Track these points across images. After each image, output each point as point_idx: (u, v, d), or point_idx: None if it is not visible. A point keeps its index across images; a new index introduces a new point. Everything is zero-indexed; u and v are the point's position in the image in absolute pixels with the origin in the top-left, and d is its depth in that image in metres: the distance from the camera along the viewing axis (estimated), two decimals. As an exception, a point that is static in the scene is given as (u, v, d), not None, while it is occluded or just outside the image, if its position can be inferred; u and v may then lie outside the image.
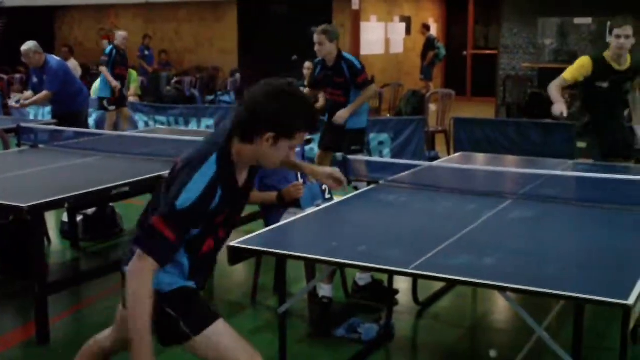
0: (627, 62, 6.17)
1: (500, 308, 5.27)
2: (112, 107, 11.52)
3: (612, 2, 12.60)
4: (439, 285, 5.39)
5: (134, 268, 2.79)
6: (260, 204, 5.19)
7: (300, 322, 4.94)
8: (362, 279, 5.31)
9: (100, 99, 11.61)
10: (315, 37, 7.13)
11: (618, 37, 6.02)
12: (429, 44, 16.54)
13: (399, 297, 5.31)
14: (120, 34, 11.98)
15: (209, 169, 2.80)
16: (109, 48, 11.84)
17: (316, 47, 7.16)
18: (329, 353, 4.57)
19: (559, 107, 5.96)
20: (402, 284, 5.43)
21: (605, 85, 6.19)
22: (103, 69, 11.54)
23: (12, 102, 10.77)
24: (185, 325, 3.01)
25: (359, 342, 4.63)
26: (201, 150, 2.90)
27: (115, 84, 11.45)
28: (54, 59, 8.90)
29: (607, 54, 6.17)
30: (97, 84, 12.26)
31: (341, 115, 7.17)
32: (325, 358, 4.50)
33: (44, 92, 8.53)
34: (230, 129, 2.87)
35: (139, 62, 16.64)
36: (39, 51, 8.58)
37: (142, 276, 2.76)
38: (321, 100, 9.02)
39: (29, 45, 8.52)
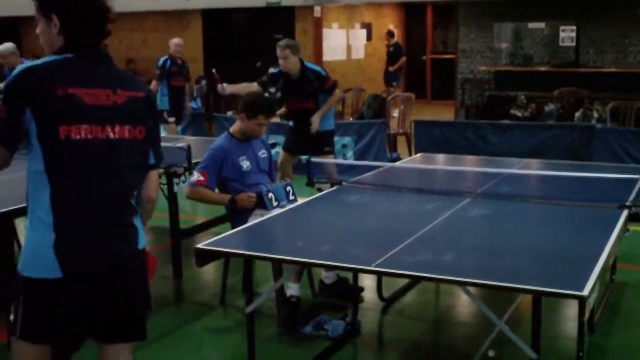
0: None
1: (463, 302, 5.44)
2: (172, 119, 10.95)
3: (563, 8, 12.96)
4: (403, 281, 5.56)
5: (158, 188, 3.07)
6: (214, 203, 5.38)
7: (269, 321, 5.06)
8: (328, 277, 5.45)
9: (160, 112, 10.91)
10: (279, 52, 7.26)
11: None
12: (398, 50, 16.75)
13: (364, 294, 5.45)
14: (173, 42, 11.12)
15: None
16: (162, 59, 11.06)
17: (280, 62, 7.29)
18: (297, 350, 4.69)
19: None
20: (367, 282, 5.58)
21: None
22: (154, 84, 10.72)
23: None
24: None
25: (326, 338, 4.76)
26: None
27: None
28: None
29: None
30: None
31: (315, 121, 7.33)
32: (294, 355, 4.62)
33: None
34: None
35: None
36: (16, 53, 8.61)
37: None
38: (283, 108, 9.17)
39: (6, 45, 8.56)
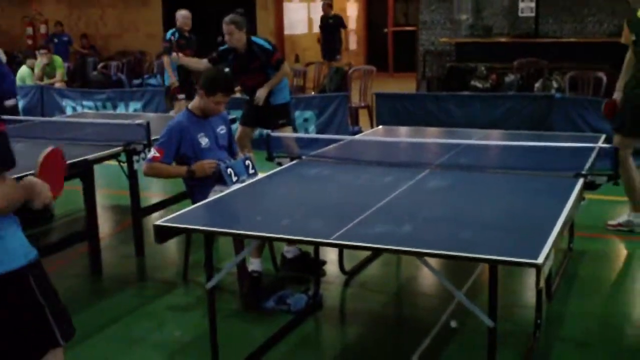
0: None
1: (425, 274, 5.48)
2: (182, 96, 10.10)
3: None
4: (365, 254, 5.59)
5: None
6: (172, 177, 5.37)
7: (231, 297, 5.07)
8: (290, 251, 5.46)
9: (168, 88, 10.46)
10: (225, 28, 7.26)
11: None
12: (339, 21, 16.04)
13: (326, 267, 5.48)
14: (180, 14, 10.53)
15: None
16: (169, 32, 10.53)
17: (226, 38, 7.30)
18: (259, 325, 4.70)
19: None
20: (330, 255, 5.61)
21: None
22: (165, 59, 10.34)
23: None
24: (57, 325, 2.75)
25: (288, 312, 4.79)
26: None
27: (173, 80, 10.20)
28: None
29: None
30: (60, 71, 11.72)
31: (260, 95, 7.35)
32: (256, 330, 4.62)
33: None
34: None
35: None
36: None
37: None
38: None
39: None
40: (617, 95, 6.32)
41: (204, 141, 5.24)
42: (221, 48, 7.61)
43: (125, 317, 4.92)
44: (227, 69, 7.29)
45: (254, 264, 5.07)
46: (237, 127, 7.59)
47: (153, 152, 5.17)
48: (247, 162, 5.22)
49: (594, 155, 4.83)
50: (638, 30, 6.06)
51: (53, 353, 2.70)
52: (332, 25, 15.90)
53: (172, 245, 6.03)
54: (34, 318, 2.64)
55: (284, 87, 7.66)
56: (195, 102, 5.33)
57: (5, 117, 7.03)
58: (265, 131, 6.92)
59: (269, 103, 7.43)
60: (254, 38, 7.44)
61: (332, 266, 5.51)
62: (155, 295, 5.31)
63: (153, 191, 7.51)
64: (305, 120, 10.05)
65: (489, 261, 3.17)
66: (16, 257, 2.57)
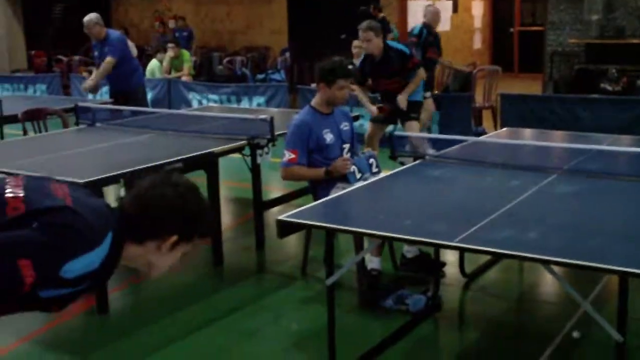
0: None
1: (547, 281, 5.34)
2: (428, 94, 8.94)
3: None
4: (486, 258, 5.49)
5: None
6: (309, 179, 5.32)
7: (349, 293, 5.07)
8: (410, 251, 5.42)
9: None
10: (361, 35, 7.35)
11: None
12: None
13: (446, 269, 5.41)
14: (430, 10, 9.91)
15: (101, 252, 2.15)
16: (417, 27, 9.95)
17: (364, 45, 7.39)
18: (377, 323, 4.69)
19: None
20: (449, 257, 5.54)
21: None
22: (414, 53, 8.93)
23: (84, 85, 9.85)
24: None
25: (406, 313, 4.75)
26: (96, 218, 2.16)
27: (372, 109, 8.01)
28: (115, 32, 9.09)
29: None
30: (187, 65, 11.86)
31: (402, 100, 7.46)
32: (374, 328, 4.62)
33: (106, 60, 8.62)
34: (119, 221, 2.23)
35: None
36: (100, 23, 8.73)
37: None
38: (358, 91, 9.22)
39: (90, 16, 8.68)
40: None
41: (329, 137, 5.23)
42: (358, 62, 7.77)
43: (243, 309, 5.00)
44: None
45: (373, 262, 5.06)
46: (360, 124, 7.62)
47: (288, 155, 5.15)
48: (371, 160, 5.20)
49: None
50: None
51: None
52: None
53: (291, 240, 6.07)
54: None
55: (421, 87, 7.82)
56: (317, 98, 5.34)
57: (134, 108, 7.25)
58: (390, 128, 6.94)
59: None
60: (389, 42, 7.50)
61: (451, 268, 5.43)
62: (273, 288, 5.37)
63: (275, 185, 7.59)
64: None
65: (620, 273, 3.05)
66: None
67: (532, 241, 3.37)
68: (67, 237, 2.05)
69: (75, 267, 2.06)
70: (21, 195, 2.12)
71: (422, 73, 7.62)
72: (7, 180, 2.19)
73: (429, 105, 9.00)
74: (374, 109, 7.77)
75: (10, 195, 2.12)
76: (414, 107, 7.71)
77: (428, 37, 9.74)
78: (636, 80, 11.73)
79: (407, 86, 7.44)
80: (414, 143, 7.01)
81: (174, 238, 2.26)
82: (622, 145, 5.76)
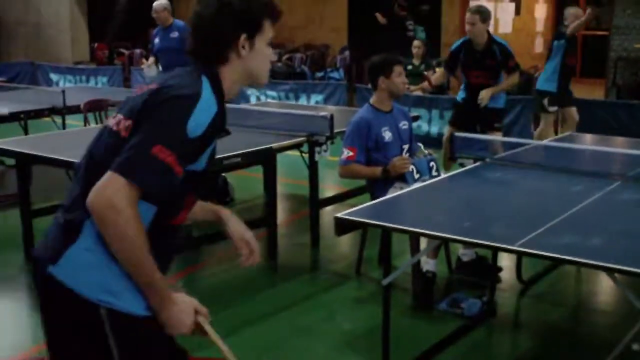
0: None
1: (605, 289, 5.23)
2: (554, 108, 8.57)
3: None
4: (543, 264, 5.39)
5: (107, 201, 2.04)
6: (367, 177, 5.29)
7: (403, 294, 5.02)
8: (466, 254, 5.36)
9: (541, 94, 8.67)
10: (468, 17, 6.97)
11: None
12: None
13: (502, 274, 5.33)
14: (571, 12, 8.68)
15: (207, 95, 2.20)
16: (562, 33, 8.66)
17: (467, 27, 6.99)
18: (431, 326, 4.66)
19: None
20: (505, 262, 5.45)
21: None
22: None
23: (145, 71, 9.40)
24: None
25: (461, 317, 4.70)
26: (184, 78, 2.24)
27: None
28: (181, 22, 9.14)
29: None
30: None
31: (484, 96, 7.01)
32: (428, 330, 4.58)
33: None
34: (196, 63, 2.30)
35: None
36: (169, 9, 8.79)
37: (125, 208, 2.05)
38: (437, 73, 8.96)
39: (161, 1, 8.76)
40: None
41: (387, 135, 5.21)
42: (452, 48, 7.41)
43: (297, 306, 4.99)
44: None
45: (429, 264, 5.01)
46: (418, 125, 7.50)
47: (346, 153, 5.16)
48: (432, 163, 5.14)
49: None
50: None
51: None
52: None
53: (346, 239, 6.05)
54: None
55: (503, 94, 7.36)
56: (375, 97, 5.31)
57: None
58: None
59: (486, 106, 7.10)
60: (495, 37, 7.17)
61: (507, 273, 5.35)
62: (327, 286, 5.35)
63: (332, 183, 7.57)
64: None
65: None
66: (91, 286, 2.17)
67: (594, 248, 3.31)
68: (173, 105, 2.13)
69: (198, 121, 2.13)
70: (121, 116, 2.22)
71: (516, 77, 7.28)
72: (108, 122, 2.29)
73: (574, 113, 8.60)
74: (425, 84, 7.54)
75: (114, 122, 2.22)
76: (498, 115, 7.30)
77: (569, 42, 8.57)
78: None
79: (498, 84, 7.08)
80: (495, 149, 6.75)
81: (244, 36, 2.28)
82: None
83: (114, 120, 2.24)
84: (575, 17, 8.49)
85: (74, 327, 2.20)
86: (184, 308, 2.23)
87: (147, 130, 2.10)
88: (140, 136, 2.10)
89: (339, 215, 3.75)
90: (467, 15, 7.00)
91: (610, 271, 3.14)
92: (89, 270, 2.14)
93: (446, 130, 7.60)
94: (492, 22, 7.76)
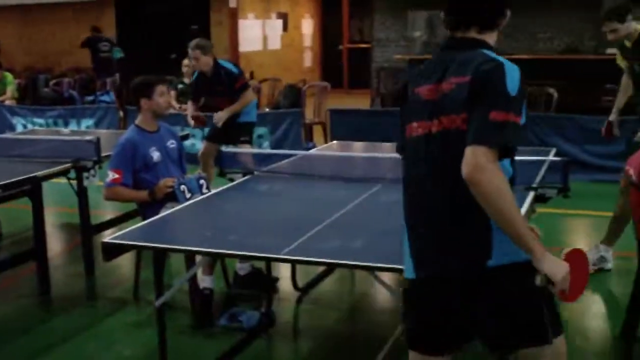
0: None
1: (379, 289, 5.43)
2: None
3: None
4: (318, 270, 5.55)
5: (479, 166, 2.36)
6: (134, 201, 5.23)
7: (183, 314, 4.99)
8: (243, 268, 5.41)
9: None
10: (190, 53, 7.39)
11: None
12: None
13: (279, 284, 5.43)
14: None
15: (512, 67, 2.56)
16: None
17: (192, 63, 7.41)
18: (211, 343, 4.64)
19: None
20: (284, 272, 5.55)
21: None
22: None
23: None
24: (548, 322, 2.59)
25: (241, 330, 4.73)
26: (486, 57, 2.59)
27: None
28: None
29: None
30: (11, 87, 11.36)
31: (220, 116, 7.47)
32: (208, 347, 4.56)
33: None
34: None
35: None
36: None
37: (495, 171, 2.36)
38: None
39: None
40: (612, 117, 6.41)
41: (156, 155, 5.17)
42: (192, 80, 7.82)
43: (74, 338, 4.82)
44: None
45: (205, 281, 5.00)
46: (192, 143, 7.54)
47: (112, 175, 5.06)
48: (202, 180, 5.13)
49: (544, 168, 4.85)
50: (627, 56, 6.11)
51: (539, 350, 2.61)
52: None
53: (123, 262, 5.93)
54: (530, 310, 2.60)
55: (252, 108, 7.79)
56: (140, 117, 5.28)
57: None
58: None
59: (235, 120, 7.51)
60: (221, 61, 7.52)
61: (286, 283, 5.46)
62: (105, 314, 5.21)
63: (105, 209, 7.39)
64: (260, 136, 10.00)
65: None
66: (521, 253, 2.49)
67: (358, 249, 3.42)
68: (505, 76, 2.50)
69: (512, 84, 2.48)
70: (442, 118, 2.56)
71: (248, 95, 7.60)
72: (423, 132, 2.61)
73: None
74: (190, 120, 7.80)
75: (443, 126, 2.55)
76: (245, 130, 7.66)
77: None
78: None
79: (231, 106, 7.44)
80: (246, 162, 6.99)
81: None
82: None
83: (437, 124, 2.56)
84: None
85: (513, 295, 2.56)
86: (554, 258, 2.48)
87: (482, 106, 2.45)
88: (478, 112, 2.44)
89: (106, 239, 3.66)
90: (190, 52, 7.41)
91: (371, 270, 3.27)
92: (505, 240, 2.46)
93: (203, 145, 7.83)
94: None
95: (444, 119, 2.54)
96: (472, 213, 2.46)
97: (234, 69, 7.53)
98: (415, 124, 2.65)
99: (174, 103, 11.32)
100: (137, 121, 5.30)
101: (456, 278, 2.58)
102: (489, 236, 2.50)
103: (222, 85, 7.39)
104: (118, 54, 15.25)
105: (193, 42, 7.39)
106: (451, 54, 2.69)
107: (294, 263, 3.89)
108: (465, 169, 2.38)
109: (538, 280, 2.49)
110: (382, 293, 5.40)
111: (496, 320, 2.58)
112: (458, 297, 2.59)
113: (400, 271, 3.14)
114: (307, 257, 3.35)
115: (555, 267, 2.46)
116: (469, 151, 2.39)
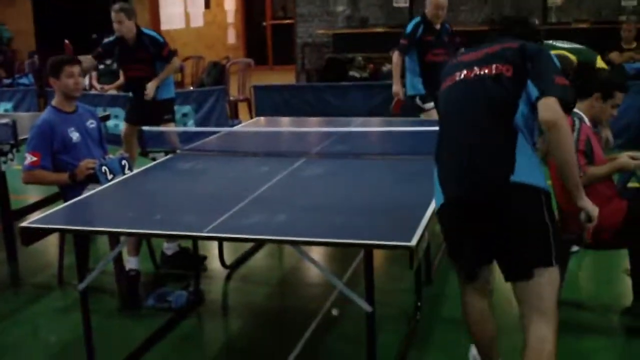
0: None
1: (307, 264, 5.41)
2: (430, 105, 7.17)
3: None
4: (246, 247, 5.54)
5: (560, 114, 2.97)
6: (54, 183, 5.13)
7: (110, 297, 4.93)
8: (170, 248, 5.36)
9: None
10: (113, 16, 7.15)
11: None
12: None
13: (208, 262, 5.40)
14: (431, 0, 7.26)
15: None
16: (413, 23, 7.53)
17: (115, 26, 7.15)
18: (139, 324, 4.59)
19: None
20: (212, 250, 5.52)
21: None
22: (396, 58, 7.47)
23: None
24: (553, 246, 3.08)
25: (169, 310, 4.69)
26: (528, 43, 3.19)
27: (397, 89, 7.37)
28: None
29: None
30: None
31: (150, 89, 7.17)
32: (136, 330, 4.50)
33: None
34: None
35: None
36: None
37: (564, 118, 2.99)
38: (121, 78, 8.99)
39: None
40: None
41: (75, 135, 5.07)
42: (105, 41, 7.47)
43: (-2, 325, 4.72)
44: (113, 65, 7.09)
45: (131, 262, 4.94)
46: (115, 124, 7.41)
47: (30, 158, 4.95)
48: (124, 161, 5.03)
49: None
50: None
51: (543, 270, 3.07)
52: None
53: (49, 248, 5.81)
54: (538, 233, 3.06)
55: (170, 82, 7.56)
56: (56, 97, 5.18)
57: None
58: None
59: (154, 98, 7.27)
60: (144, 29, 7.30)
61: (214, 261, 5.43)
62: (28, 301, 5.12)
63: (27, 193, 7.22)
64: (184, 115, 9.89)
65: (363, 246, 3.17)
66: (542, 180, 3.08)
67: (281, 224, 3.40)
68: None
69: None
70: (492, 65, 3.17)
71: (175, 63, 7.45)
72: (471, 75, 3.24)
73: None
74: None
75: (487, 71, 3.16)
76: (166, 107, 7.44)
77: (427, 36, 7.39)
78: (381, 67, 12.30)
79: (159, 75, 7.22)
80: (171, 141, 6.89)
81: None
82: (367, 126, 6.00)
83: (477, 71, 3.18)
84: (435, 6, 7.39)
85: (529, 213, 3.05)
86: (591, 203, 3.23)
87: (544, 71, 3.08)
88: (542, 75, 3.06)
89: (24, 224, 3.58)
90: (112, 14, 7.17)
91: (295, 244, 3.26)
92: (534, 168, 3.06)
93: (123, 127, 7.64)
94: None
95: (486, 67, 3.14)
96: (500, 136, 3.05)
97: (159, 37, 7.34)
98: (456, 74, 3.26)
99: (95, 84, 11.14)
100: (53, 102, 5.19)
101: (480, 196, 3.08)
102: (514, 156, 3.01)
103: (146, 52, 7.18)
104: (6, 33, 14.98)
105: (117, 5, 7.18)
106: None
107: (218, 240, 3.85)
108: (548, 113, 2.95)
109: (582, 216, 3.21)
110: (311, 267, 5.40)
111: (510, 235, 3.06)
112: (480, 216, 3.10)
113: (325, 244, 3.16)
114: (231, 234, 3.33)
115: (595, 209, 3.19)
116: (549, 100, 2.96)
